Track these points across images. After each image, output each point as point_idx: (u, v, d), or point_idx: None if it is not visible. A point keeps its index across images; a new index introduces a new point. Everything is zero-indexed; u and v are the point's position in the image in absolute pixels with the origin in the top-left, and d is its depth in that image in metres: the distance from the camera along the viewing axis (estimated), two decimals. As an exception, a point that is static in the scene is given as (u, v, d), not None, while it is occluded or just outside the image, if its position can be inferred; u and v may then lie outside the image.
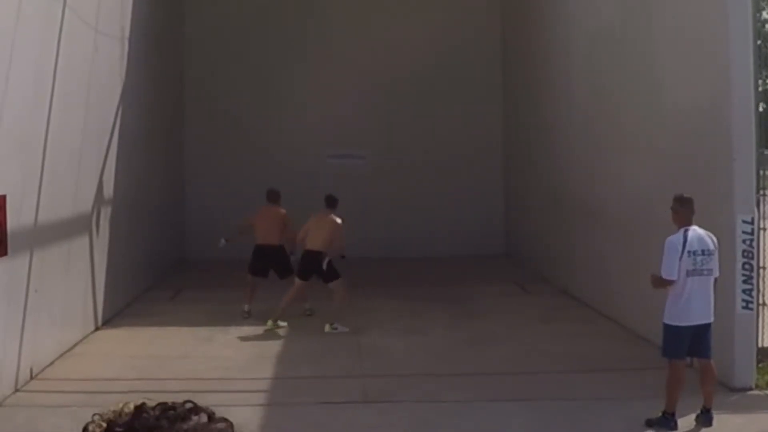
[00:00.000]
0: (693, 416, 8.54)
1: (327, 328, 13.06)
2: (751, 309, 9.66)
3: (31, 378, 10.08)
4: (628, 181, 12.79)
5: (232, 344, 12.34)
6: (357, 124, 21.20)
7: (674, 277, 8.33)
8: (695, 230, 8.48)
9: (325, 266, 13.11)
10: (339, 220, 13.21)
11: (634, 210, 12.50)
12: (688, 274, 8.35)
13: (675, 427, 8.35)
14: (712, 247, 8.46)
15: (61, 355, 11.24)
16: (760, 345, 9.97)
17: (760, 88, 10.50)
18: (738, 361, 9.59)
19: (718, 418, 8.56)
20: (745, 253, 9.54)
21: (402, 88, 21.09)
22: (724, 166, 9.81)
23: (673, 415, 8.37)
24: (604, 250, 13.90)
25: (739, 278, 9.50)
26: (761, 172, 10.16)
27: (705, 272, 8.41)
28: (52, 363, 10.81)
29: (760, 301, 9.96)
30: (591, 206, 14.51)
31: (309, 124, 21.15)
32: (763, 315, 10.08)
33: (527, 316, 13.98)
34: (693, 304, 8.37)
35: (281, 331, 13.01)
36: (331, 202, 13.57)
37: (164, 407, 1.44)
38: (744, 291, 9.55)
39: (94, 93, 12.91)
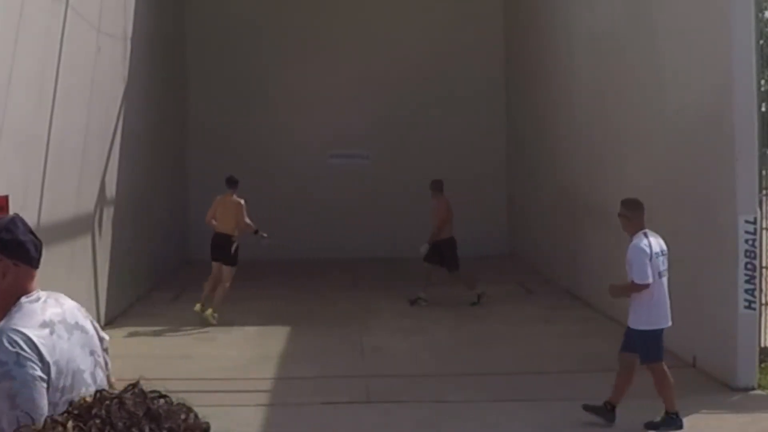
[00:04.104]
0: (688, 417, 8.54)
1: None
2: (754, 309, 9.66)
3: (34, 378, 10.08)
4: (631, 182, 12.78)
5: (235, 344, 12.35)
6: (359, 125, 21.19)
7: (650, 280, 8.31)
8: (649, 232, 8.52)
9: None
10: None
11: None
12: (659, 275, 8.40)
13: (681, 425, 8.34)
14: (666, 247, 8.53)
15: (64, 356, 11.23)
16: (762, 345, 9.97)
17: (762, 88, 10.50)
18: (740, 361, 9.59)
19: (720, 417, 8.56)
20: (748, 253, 9.54)
21: (405, 88, 21.09)
22: (727, 166, 9.81)
23: (677, 414, 8.36)
24: (607, 250, 13.88)
25: (742, 278, 9.50)
26: (763, 172, 10.17)
27: (665, 273, 8.47)
28: (55, 363, 10.81)
29: (763, 301, 9.96)
30: (594, 206, 14.51)
31: (311, 125, 21.15)
32: (766, 315, 10.09)
33: (530, 316, 13.98)
34: (664, 307, 8.44)
35: (283, 331, 13.01)
36: (438, 186, 15.25)
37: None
38: (746, 291, 9.56)
39: (97, 93, 12.93)
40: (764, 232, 9.91)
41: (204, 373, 10.56)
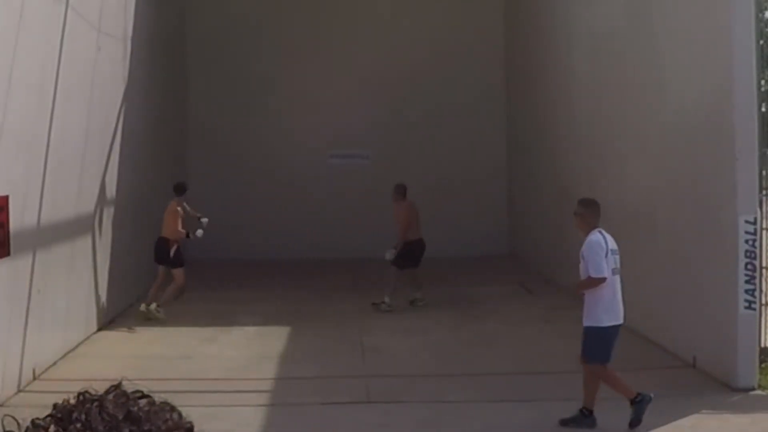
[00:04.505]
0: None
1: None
2: (754, 309, 9.66)
3: (34, 378, 10.09)
4: (631, 182, 12.79)
5: (235, 344, 12.35)
6: (359, 125, 21.19)
7: (606, 274, 8.37)
8: (603, 231, 8.56)
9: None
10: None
11: (636, 210, 12.50)
12: (614, 272, 8.47)
13: (650, 397, 8.29)
14: (617, 247, 8.58)
15: (64, 356, 11.24)
16: (762, 345, 9.96)
17: (762, 88, 10.49)
18: (740, 362, 9.59)
19: (720, 417, 8.55)
20: (748, 254, 9.54)
21: (405, 88, 21.09)
22: (727, 167, 9.81)
23: (638, 394, 8.33)
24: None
25: (742, 278, 9.50)
26: (763, 172, 10.17)
27: (618, 271, 8.55)
28: (55, 363, 10.82)
29: (763, 301, 9.95)
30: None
31: (311, 125, 21.15)
32: (766, 315, 10.07)
33: (530, 316, 13.98)
34: (619, 303, 8.50)
35: (283, 331, 13.01)
36: (401, 191, 14.90)
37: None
38: (747, 291, 9.55)
39: (97, 93, 12.93)
40: (764, 232, 9.91)
41: (204, 373, 10.56)
